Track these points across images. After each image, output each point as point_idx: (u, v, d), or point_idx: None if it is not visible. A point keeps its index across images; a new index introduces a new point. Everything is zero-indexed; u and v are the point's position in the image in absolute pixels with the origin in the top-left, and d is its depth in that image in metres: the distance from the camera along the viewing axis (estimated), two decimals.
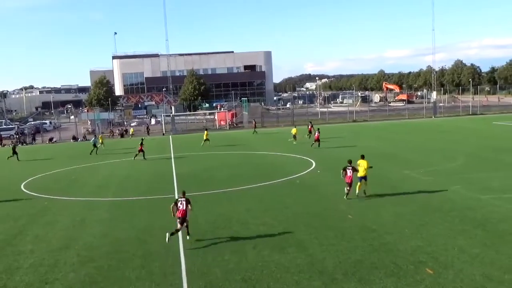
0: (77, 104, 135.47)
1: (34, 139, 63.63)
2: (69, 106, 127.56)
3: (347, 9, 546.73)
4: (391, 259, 13.11)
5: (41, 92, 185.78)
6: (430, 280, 11.60)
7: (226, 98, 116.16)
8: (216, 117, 74.83)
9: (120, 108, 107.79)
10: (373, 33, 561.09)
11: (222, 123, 71.12)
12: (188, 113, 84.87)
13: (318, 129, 41.16)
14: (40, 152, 49.36)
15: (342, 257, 13.45)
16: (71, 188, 27.30)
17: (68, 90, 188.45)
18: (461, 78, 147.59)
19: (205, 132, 46.27)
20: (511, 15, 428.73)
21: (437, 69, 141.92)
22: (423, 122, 55.91)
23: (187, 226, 15.74)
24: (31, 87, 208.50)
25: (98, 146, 43.71)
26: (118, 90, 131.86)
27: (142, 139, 40.24)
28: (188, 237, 15.75)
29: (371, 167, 20.89)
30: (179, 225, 15.35)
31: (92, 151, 42.48)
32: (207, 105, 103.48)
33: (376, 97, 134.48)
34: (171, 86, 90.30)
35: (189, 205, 15.51)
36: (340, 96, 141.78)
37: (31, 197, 25.07)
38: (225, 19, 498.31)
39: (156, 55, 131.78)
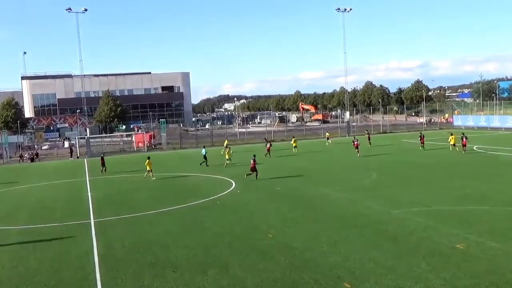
0: None
1: None
2: None
3: (262, 32, 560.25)
4: (311, 275, 13.39)
5: None
6: None
7: (143, 120, 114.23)
8: (133, 139, 73.19)
9: (30, 131, 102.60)
10: (288, 55, 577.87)
11: (140, 145, 69.64)
12: (104, 135, 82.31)
13: (464, 133, 42.25)
14: None
15: (263, 276, 13.54)
16: None
17: None
18: (371, 99, 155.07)
19: (293, 139, 50.81)
20: (413, 40, 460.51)
21: (349, 90, 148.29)
22: (338, 141, 58.00)
23: None
24: None
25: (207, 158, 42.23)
26: (28, 112, 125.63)
27: (268, 139, 49.79)
28: None
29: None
30: None
31: (202, 163, 41.31)
32: (124, 126, 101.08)
33: (293, 117, 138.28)
34: (85, 108, 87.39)
35: None
36: (258, 117, 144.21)
37: None
38: (142, 40, 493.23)
39: (69, 76, 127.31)
